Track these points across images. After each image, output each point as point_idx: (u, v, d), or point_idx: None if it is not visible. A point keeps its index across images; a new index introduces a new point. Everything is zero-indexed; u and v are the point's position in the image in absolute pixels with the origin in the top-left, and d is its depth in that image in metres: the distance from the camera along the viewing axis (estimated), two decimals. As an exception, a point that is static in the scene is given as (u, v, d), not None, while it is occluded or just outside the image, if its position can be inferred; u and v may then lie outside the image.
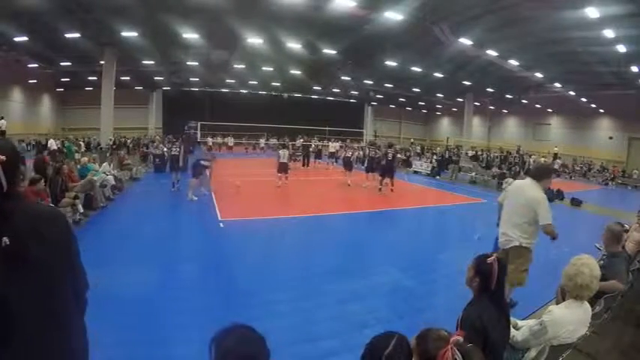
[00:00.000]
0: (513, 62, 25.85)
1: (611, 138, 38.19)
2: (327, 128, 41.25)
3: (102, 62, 27.17)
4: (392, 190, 16.48)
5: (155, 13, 19.87)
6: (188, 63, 31.96)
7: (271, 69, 34.62)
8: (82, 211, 10.17)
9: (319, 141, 34.42)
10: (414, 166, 28.52)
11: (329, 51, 26.73)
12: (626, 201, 20.32)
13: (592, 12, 15.65)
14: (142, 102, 45.87)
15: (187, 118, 41.38)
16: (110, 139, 28.56)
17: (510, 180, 19.48)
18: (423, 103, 55.27)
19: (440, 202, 16.62)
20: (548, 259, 5.64)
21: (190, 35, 23.42)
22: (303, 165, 26.31)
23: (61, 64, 30.45)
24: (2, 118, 23.92)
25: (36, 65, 29.94)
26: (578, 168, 35.84)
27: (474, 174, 23.76)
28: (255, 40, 24.61)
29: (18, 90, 32.99)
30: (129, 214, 11.63)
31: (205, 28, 22.49)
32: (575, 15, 16.32)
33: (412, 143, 41.32)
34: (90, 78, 34.93)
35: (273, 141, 37.29)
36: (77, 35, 22.41)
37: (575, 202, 17.15)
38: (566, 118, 42.05)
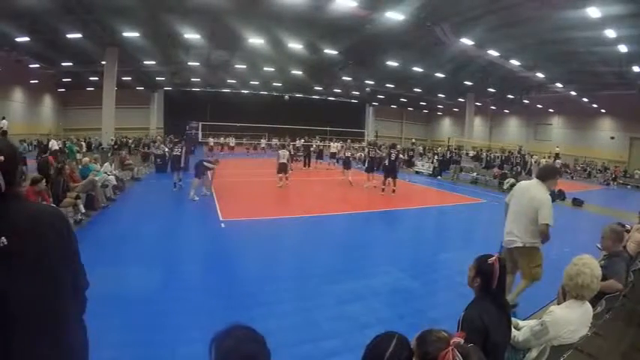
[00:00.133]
0: (515, 62, 25.88)
1: (612, 138, 38.19)
2: (328, 128, 41.26)
3: (103, 62, 27.19)
4: (394, 190, 16.46)
5: (156, 14, 19.89)
6: (189, 63, 31.98)
7: (272, 69, 34.65)
8: (83, 211, 10.17)
9: (320, 141, 34.42)
10: (415, 167, 28.52)
11: (330, 51, 26.74)
12: (628, 201, 20.29)
13: (593, 12, 15.66)
14: (144, 102, 46.00)
15: (188, 119, 41.39)
16: (112, 140, 28.60)
17: (512, 180, 19.63)
18: (424, 104, 55.33)
19: (441, 202, 16.60)
20: (549, 259, 5.62)
21: (192, 35, 23.43)
22: (305, 165, 26.30)
23: (63, 64, 30.54)
24: (4, 118, 23.94)
25: (37, 65, 30.03)
26: (579, 168, 35.84)
27: (475, 174, 23.72)
28: (256, 41, 24.62)
29: (19, 90, 33.07)
30: (130, 214, 11.63)
31: (207, 29, 22.51)
32: (576, 15, 16.33)
33: (413, 143, 41.31)
34: (91, 78, 35.03)
35: (275, 141, 37.25)
36: (78, 35, 22.45)
37: (577, 203, 17.12)
38: (568, 118, 42.06)
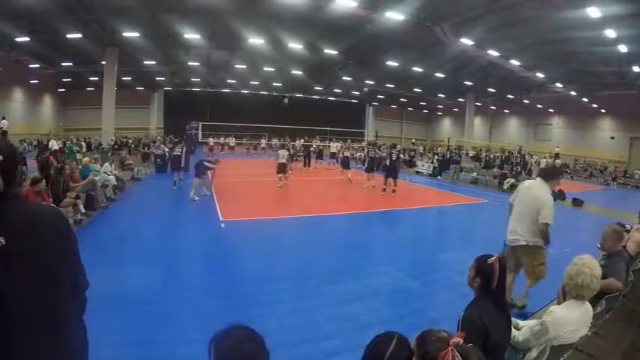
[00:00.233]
0: (515, 62, 25.88)
1: (612, 138, 38.19)
2: (328, 128, 41.26)
3: (103, 62, 27.18)
4: (394, 190, 16.45)
5: (156, 13, 19.89)
6: (189, 63, 31.98)
7: (272, 69, 34.65)
8: (83, 211, 10.18)
9: (320, 141, 34.41)
10: (417, 167, 28.54)
11: (330, 51, 26.74)
12: (628, 201, 20.30)
13: (593, 12, 15.65)
14: (144, 102, 46.03)
15: (188, 119, 41.41)
16: (112, 140, 28.59)
17: (512, 180, 19.63)
18: (424, 104, 55.33)
19: (441, 202, 16.59)
20: (549, 259, 5.62)
21: (192, 35, 23.43)
22: (305, 165, 26.30)
23: (63, 64, 30.52)
24: (4, 118, 23.93)
25: (37, 65, 30.01)
26: (579, 168, 35.84)
27: (475, 174, 23.72)
28: (256, 41, 24.62)
29: (19, 90, 33.08)
30: (130, 214, 11.63)
31: (207, 29, 22.51)
32: (576, 15, 16.32)
33: (413, 143, 41.34)
34: (91, 78, 35.05)
35: (275, 141, 37.26)
36: (78, 35, 22.45)
37: (577, 203, 17.12)
38: (568, 118, 42.08)
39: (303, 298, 6.02)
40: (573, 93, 33.42)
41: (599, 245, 4.88)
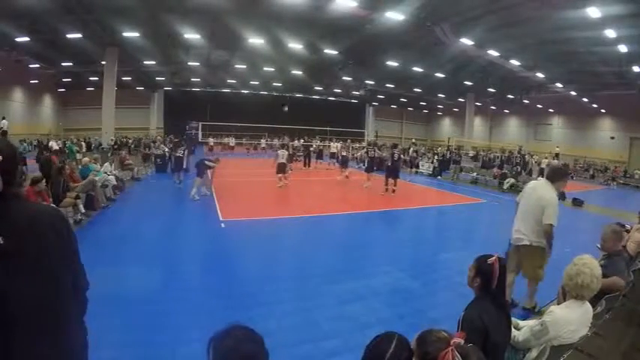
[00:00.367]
0: (515, 62, 25.88)
1: (612, 138, 38.18)
2: (328, 128, 41.27)
3: (103, 62, 27.18)
4: (394, 190, 16.44)
5: (156, 14, 19.89)
6: (189, 63, 31.99)
7: (272, 69, 34.66)
8: (83, 211, 10.18)
9: (320, 141, 34.41)
10: (420, 168, 28.56)
11: (330, 51, 26.75)
12: (627, 201, 20.30)
13: (593, 12, 15.65)
14: (144, 102, 46.06)
15: (188, 119, 41.46)
16: (111, 140, 28.58)
17: (512, 180, 19.62)
18: (424, 104, 55.37)
19: (441, 202, 16.59)
20: (549, 259, 5.63)
21: (192, 35, 23.43)
22: (305, 165, 26.29)
23: (63, 64, 30.55)
24: (4, 118, 23.93)
25: (37, 65, 30.03)
26: (579, 167, 35.82)
27: (475, 174, 23.72)
28: (256, 41, 24.63)
29: (19, 90, 33.10)
30: (130, 215, 11.62)
31: (207, 29, 22.51)
32: (576, 15, 16.32)
33: (413, 143, 41.31)
34: (91, 78, 35.07)
35: (275, 141, 37.25)
36: (78, 35, 22.45)
37: (577, 203, 17.12)
38: (568, 118, 42.10)
39: (303, 298, 6.02)
40: (573, 93, 33.43)
41: (599, 245, 4.88)
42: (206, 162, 14.35)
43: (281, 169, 17.19)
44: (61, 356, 1.79)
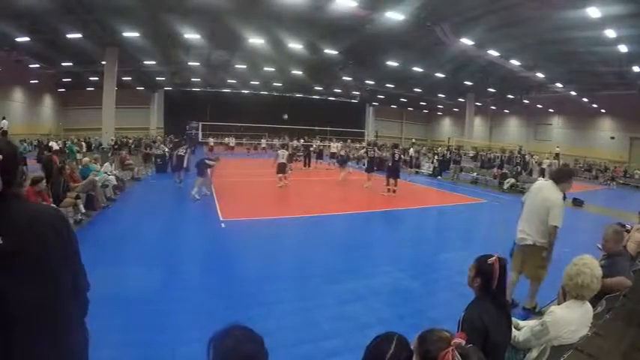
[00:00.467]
0: (515, 62, 25.88)
1: (612, 138, 38.18)
2: (328, 128, 41.29)
3: (103, 62, 27.18)
4: (394, 191, 16.41)
5: (156, 14, 19.90)
6: (189, 63, 31.99)
7: (273, 69, 34.66)
8: (83, 211, 10.18)
9: (321, 141, 34.41)
10: (413, 167, 28.57)
11: (330, 51, 26.75)
12: (628, 201, 20.30)
13: (593, 12, 15.65)
14: (144, 102, 46.06)
15: (189, 119, 41.48)
16: (112, 140, 28.57)
17: (512, 180, 19.61)
18: (424, 104, 55.38)
19: (441, 202, 16.58)
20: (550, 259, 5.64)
21: (192, 35, 23.44)
22: (305, 165, 26.27)
23: (63, 64, 30.55)
24: (4, 118, 23.94)
25: (37, 65, 30.03)
26: (579, 167, 35.75)
27: (475, 174, 23.71)
28: (256, 41, 24.63)
29: (19, 90, 33.10)
30: (130, 214, 11.62)
31: (207, 29, 22.52)
32: (576, 15, 16.32)
33: (413, 143, 41.28)
34: (91, 78, 35.08)
35: (275, 141, 37.25)
36: (79, 35, 22.45)
37: (577, 203, 17.11)
38: (568, 119, 42.10)
39: (303, 298, 6.02)
40: (573, 93, 33.43)
41: (599, 245, 4.88)
42: (207, 161, 14.36)
43: (281, 169, 17.19)
44: (60, 356, 1.79)
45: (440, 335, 1.95)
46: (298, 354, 4.47)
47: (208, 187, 14.71)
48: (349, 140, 28.36)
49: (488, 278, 2.79)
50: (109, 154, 21.39)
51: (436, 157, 28.76)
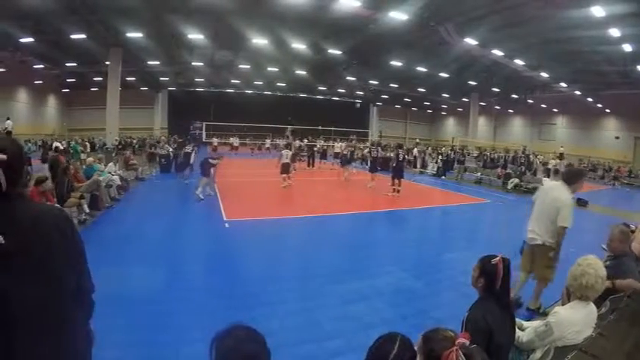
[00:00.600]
0: (519, 62, 25.83)
1: (617, 138, 38.03)
2: (332, 128, 41.29)
3: (107, 63, 27.29)
4: (398, 190, 16.35)
5: (160, 14, 19.94)
6: (193, 63, 32.06)
7: (276, 69, 34.69)
8: (87, 211, 10.21)
9: (324, 141, 34.40)
10: (419, 166, 28.54)
11: (334, 51, 26.76)
12: (633, 201, 20.23)
13: (597, 11, 15.61)
14: (148, 102, 46.22)
15: (192, 119, 41.56)
16: (116, 140, 28.65)
17: (516, 180, 19.56)
18: (428, 103, 55.30)
19: (445, 202, 16.55)
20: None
21: (195, 36, 23.48)
22: (308, 165, 26.28)
23: (67, 64, 30.66)
24: (8, 118, 24.06)
25: (41, 66, 30.13)
26: (583, 167, 35.60)
27: (479, 174, 23.67)
28: (260, 41, 24.66)
29: (24, 91, 33.28)
30: (134, 214, 11.65)
31: (210, 29, 22.55)
32: (580, 14, 16.29)
33: (417, 143, 41.20)
34: (95, 78, 35.20)
35: (279, 141, 37.27)
36: (83, 36, 22.53)
37: (581, 203, 17.04)
38: (572, 118, 41.98)
39: (306, 298, 6.01)
40: (578, 93, 33.33)
41: (604, 246, 4.86)
42: (210, 160, 14.40)
43: (285, 169, 17.20)
44: (62, 357, 1.79)
45: (444, 335, 1.94)
46: (301, 354, 4.47)
47: (212, 186, 14.73)
48: (354, 140, 28.09)
49: (492, 278, 2.78)
50: (113, 154, 21.47)
51: (440, 157, 28.72)
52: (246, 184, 18.12)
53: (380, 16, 19.05)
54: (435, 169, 26.46)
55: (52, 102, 39.29)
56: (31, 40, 22.12)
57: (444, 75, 32.64)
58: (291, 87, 44.81)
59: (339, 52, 27.18)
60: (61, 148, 22.87)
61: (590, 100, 35.16)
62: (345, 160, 21.27)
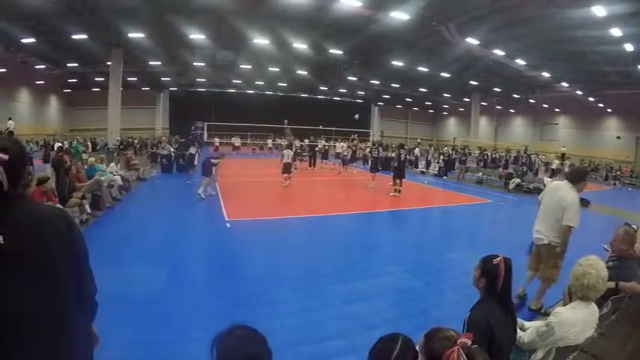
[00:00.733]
0: (520, 62, 25.79)
1: (619, 138, 37.97)
2: (333, 128, 41.27)
3: (109, 63, 27.30)
4: (399, 190, 16.33)
5: (161, 14, 19.96)
6: (195, 64, 32.07)
7: (278, 69, 34.67)
8: (89, 211, 10.22)
9: (326, 141, 34.39)
10: (420, 167, 28.55)
11: (335, 51, 26.75)
12: (635, 202, 20.21)
13: (599, 10, 15.57)
14: (149, 102, 46.28)
15: (194, 119, 41.54)
16: (117, 140, 28.67)
17: (517, 180, 19.55)
18: (429, 103, 55.25)
19: (447, 202, 16.54)
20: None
21: (197, 36, 23.49)
22: (310, 165, 26.29)
23: (68, 65, 30.69)
24: (10, 119, 24.09)
25: (43, 66, 30.16)
26: (585, 165, 35.55)
27: (480, 174, 23.65)
28: (261, 41, 24.66)
29: (25, 91, 33.33)
30: (136, 214, 11.68)
31: (212, 29, 22.56)
32: (581, 14, 16.25)
33: (419, 143, 41.09)
34: (97, 79, 35.24)
35: (280, 141, 37.26)
36: (84, 36, 22.55)
37: (584, 203, 17.00)
38: (574, 118, 41.93)
39: (307, 298, 6.01)
40: (579, 92, 33.27)
41: (605, 246, 4.86)
42: (212, 160, 14.45)
43: (286, 168, 17.23)
44: (61, 359, 1.78)
45: (446, 334, 1.94)
46: (302, 354, 4.47)
47: (213, 186, 14.75)
48: (356, 141, 27.90)
49: (493, 279, 2.78)
50: (115, 155, 21.45)
51: (441, 157, 28.71)
52: (247, 184, 18.13)
53: (381, 16, 19.02)
54: (437, 169, 26.44)
55: (53, 102, 39.35)
56: (32, 40, 22.14)
57: (445, 75, 32.58)
58: (292, 87, 44.80)
59: (340, 52, 27.15)
60: (65, 147, 22.96)
61: (591, 99, 35.09)
62: (345, 161, 21.40)
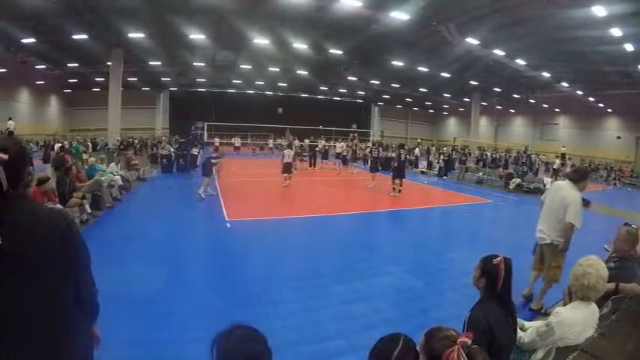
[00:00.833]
0: (520, 62, 25.77)
1: (619, 138, 37.95)
2: (333, 128, 41.26)
3: (109, 63, 27.29)
4: (400, 190, 16.32)
5: (161, 14, 19.96)
6: (195, 64, 32.07)
7: (278, 69, 34.66)
8: (89, 211, 10.21)
9: (326, 141, 34.39)
10: (421, 167, 28.54)
11: (335, 51, 26.74)
12: (635, 202, 20.20)
13: (599, 10, 15.55)
14: (149, 102, 46.28)
15: (194, 119, 41.53)
16: (117, 140, 28.66)
17: (518, 180, 19.54)
18: (429, 103, 55.22)
19: (447, 202, 16.54)
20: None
21: (197, 36, 23.49)
22: (310, 165, 26.28)
23: (68, 65, 30.68)
24: (10, 119, 24.09)
25: (43, 66, 30.16)
26: (584, 165, 35.48)
27: (480, 174, 23.65)
28: (261, 41, 24.66)
29: (25, 91, 33.34)
30: (136, 214, 11.68)
31: (212, 29, 22.56)
32: (581, 14, 16.23)
33: (419, 143, 41.03)
34: (97, 79, 35.23)
35: (281, 141, 37.24)
36: (84, 36, 22.55)
37: (584, 203, 17.00)
38: (574, 118, 41.90)
39: (308, 298, 6.01)
40: (579, 92, 33.25)
41: (606, 246, 4.86)
42: (212, 160, 14.45)
43: (287, 168, 17.24)
44: (59, 359, 1.78)
45: (446, 334, 1.94)
46: (303, 354, 4.47)
47: (213, 186, 14.76)
48: (356, 140, 27.75)
49: (493, 279, 2.78)
50: (115, 155, 21.45)
51: (441, 157, 28.70)
52: (247, 184, 18.13)
53: (381, 16, 19.01)
54: (437, 169, 26.44)
55: (53, 102, 39.38)
56: (32, 40, 22.14)
57: (445, 75, 32.56)
58: (292, 87, 44.78)
59: (340, 52, 27.13)
60: (66, 147, 22.98)
61: (591, 99, 35.07)
62: (345, 161, 21.44)
